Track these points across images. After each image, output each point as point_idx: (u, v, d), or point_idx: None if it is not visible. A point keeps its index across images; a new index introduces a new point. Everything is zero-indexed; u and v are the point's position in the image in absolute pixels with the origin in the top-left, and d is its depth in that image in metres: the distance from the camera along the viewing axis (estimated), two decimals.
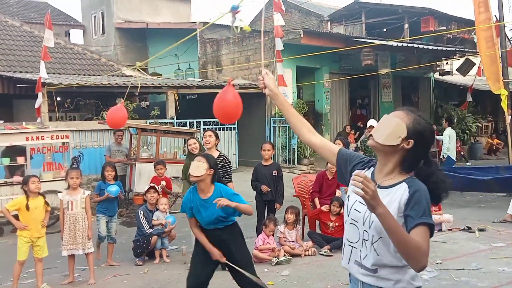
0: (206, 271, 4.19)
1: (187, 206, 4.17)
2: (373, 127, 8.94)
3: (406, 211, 2.04)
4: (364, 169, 2.30)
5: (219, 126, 13.05)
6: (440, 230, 7.83)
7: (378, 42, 14.37)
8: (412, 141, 2.11)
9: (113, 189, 6.47)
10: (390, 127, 2.13)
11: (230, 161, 6.19)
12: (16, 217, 5.63)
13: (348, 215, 2.25)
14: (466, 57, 18.14)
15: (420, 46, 15.23)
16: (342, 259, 2.30)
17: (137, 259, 6.65)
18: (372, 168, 2.27)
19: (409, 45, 14.88)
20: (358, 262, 2.18)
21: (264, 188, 6.86)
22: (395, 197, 2.08)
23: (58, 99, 12.36)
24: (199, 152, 6.25)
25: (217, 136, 6.03)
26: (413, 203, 2.02)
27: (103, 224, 6.56)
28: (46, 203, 5.74)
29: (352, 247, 2.20)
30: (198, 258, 4.22)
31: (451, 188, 2.16)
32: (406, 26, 18.44)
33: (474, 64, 18.31)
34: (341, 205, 6.95)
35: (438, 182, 2.13)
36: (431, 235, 2.03)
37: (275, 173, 6.91)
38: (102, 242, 6.65)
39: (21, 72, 13.74)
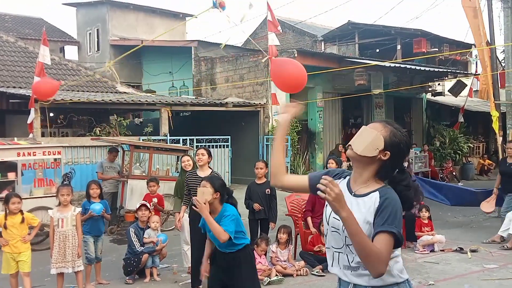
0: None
1: (202, 223, 4.20)
2: None
3: (374, 218, 2.12)
4: (339, 179, 2.37)
5: (213, 144, 13.06)
6: (432, 250, 7.83)
7: (372, 62, 14.52)
8: (388, 152, 2.21)
9: (96, 207, 6.29)
10: (368, 139, 2.22)
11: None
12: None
13: (328, 223, 2.31)
14: (458, 78, 18.36)
15: (413, 67, 15.39)
16: (330, 266, 2.35)
17: (127, 278, 6.56)
18: (347, 178, 2.35)
19: (402, 66, 15.04)
20: (348, 266, 2.23)
21: (256, 206, 6.84)
22: (367, 205, 2.16)
23: (51, 114, 12.34)
24: (192, 170, 6.24)
25: (209, 154, 6.03)
26: (381, 211, 2.11)
27: (91, 245, 6.34)
28: (23, 220, 5.71)
29: (338, 252, 2.27)
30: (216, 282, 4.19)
31: (423, 197, 2.26)
32: (398, 47, 18.66)
33: (466, 85, 18.54)
34: None
35: (410, 186, 2.24)
36: (396, 245, 2.09)
37: (268, 191, 6.90)
38: (92, 264, 6.40)
39: (14, 87, 13.72)
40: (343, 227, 2.15)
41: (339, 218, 2.17)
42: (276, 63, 3.29)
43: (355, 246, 2.03)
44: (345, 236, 2.17)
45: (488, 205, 8.77)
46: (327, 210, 2.30)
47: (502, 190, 8.83)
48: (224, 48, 17.30)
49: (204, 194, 4.00)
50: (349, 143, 2.28)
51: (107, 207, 6.61)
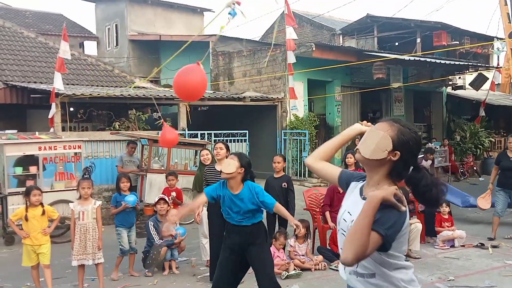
0: (237, 278, 4.34)
1: (212, 191, 4.32)
2: None
3: None
4: (359, 181, 2.34)
5: (230, 138, 13.07)
6: (452, 246, 7.74)
7: (391, 56, 14.35)
8: (398, 152, 2.13)
9: (130, 199, 6.48)
10: (375, 141, 2.15)
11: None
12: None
13: (338, 224, 2.28)
14: (479, 71, 18.05)
15: (433, 60, 15.17)
16: (340, 271, 2.34)
17: (146, 270, 6.63)
18: (364, 181, 2.30)
19: (422, 59, 14.83)
20: (354, 271, 2.20)
21: None
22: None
23: (71, 109, 12.48)
24: (211, 164, 6.26)
25: (227, 148, 6.04)
26: (379, 210, 2.04)
27: (124, 237, 6.54)
28: (43, 212, 5.81)
29: None
30: (228, 265, 4.32)
31: (446, 191, 2.17)
32: (418, 40, 18.41)
33: (487, 78, 18.22)
34: None
35: (430, 185, 2.12)
36: (383, 249, 2.03)
37: (284, 185, 6.89)
38: (126, 255, 6.59)
39: (35, 82, 13.90)
40: (349, 229, 2.13)
41: (346, 220, 2.18)
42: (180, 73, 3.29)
43: (357, 225, 1.98)
44: None
45: (484, 201, 8.52)
46: (340, 211, 2.28)
47: (502, 185, 8.39)
48: (242, 43, 17.32)
49: (230, 165, 4.09)
50: (356, 147, 2.22)
51: (137, 197, 6.79)
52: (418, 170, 2.19)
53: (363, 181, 2.31)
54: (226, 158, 6.00)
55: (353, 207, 2.18)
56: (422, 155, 11.13)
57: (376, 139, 2.15)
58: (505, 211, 8.52)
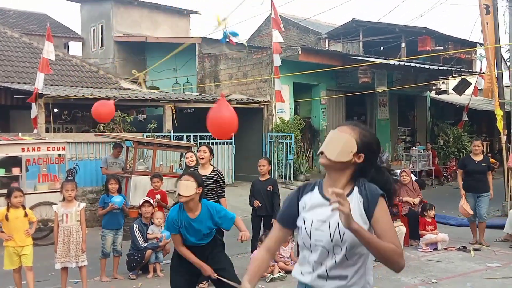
0: (190, 285, 4.23)
1: (173, 225, 4.08)
2: None
3: (368, 213, 2.12)
4: (307, 193, 2.28)
5: (216, 141, 13.05)
6: (435, 249, 7.82)
7: (377, 60, 14.48)
8: (363, 154, 2.18)
9: (117, 199, 6.47)
10: (340, 144, 2.18)
11: (223, 176, 6.19)
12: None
13: (310, 238, 2.18)
14: (462, 76, 18.30)
15: (417, 65, 15.35)
16: (302, 277, 2.24)
17: (131, 273, 6.60)
18: (315, 188, 2.27)
19: (406, 64, 15.00)
20: (324, 275, 2.16)
21: (256, 203, 6.85)
22: (352, 206, 2.05)
23: (55, 110, 12.37)
24: (195, 166, 6.26)
25: (211, 151, 6.05)
26: (371, 204, 2.10)
27: (109, 240, 6.52)
28: (26, 214, 5.77)
29: (320, 263, 2.18)
30: (180, 273, 4.18)
31: (396, 182, 2.35)
32: (403, 45, 18.61)
33: (470, 83, 18.47)
34: None
35: (389, 184, 2.26)
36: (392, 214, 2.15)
37: (270, 188, 6.90)
38: (107, 258, 6.55)
39: (18, 83, 13.75)
40: (332, 236, 2.11)
41: (323, 229, 2.13)
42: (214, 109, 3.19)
43: (372, 251, 2.03)
44: (333, 246, 2.12)
45: (467, 208, 8.46)
46: (306, 224, 2.20)
47: (471, 189, 8.32)
48: (228, 46, 17.33)
49: (188, 187, 3.96)
50: (320, 150, 2.21)
51: (125, 199, 6.78)
52: (379, 170, 2.26)
53: (311, 189, 2.26)
54: (210, 161, 6.03)
55: (324, 213, 2.14)
56: None
57: (341, 141, 2.18)
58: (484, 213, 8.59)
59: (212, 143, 12.54)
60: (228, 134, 3.32)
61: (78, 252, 5.80)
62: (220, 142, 13.24)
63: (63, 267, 5.82)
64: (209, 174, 5.84)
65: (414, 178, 10.83)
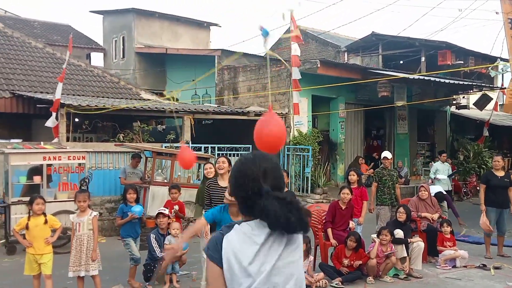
0: None
1: (211, 216, 4.33)
2: (387, 158, 8.97)
3: None
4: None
5: (234, 152, 13.10)
6: (454, 266, 7.70)
7: (398, 75, 14.41)
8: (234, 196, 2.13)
9: (137, 209, 6.56)
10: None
11: None
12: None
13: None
14: (483, 91, 18.10)
15: (437, 79, 15.23)
16: None
17: (147, 283, 6.63)
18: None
19: (426, 78, 14.90)
20: None
21: None
22: None
23: (76, 120, 12.56)
24: (214, 177, 6.29)
25: (230, 163, 6.08)
26: None
27: (133, 246, 6.61)
28: (46, 221, 5.85)
29: None
30: None
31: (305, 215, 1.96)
32: (423, 59, 18.50)
33: (491, 99, 18.27)
34: (357, 240, 6.90)
35: (279, 212, 1.92)
36: None
37: None
38: (138, 264, 6.62)
39: (41, 92, 14.02)
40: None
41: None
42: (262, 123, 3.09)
43: None
44: None
45: (486, 224, 8.44)
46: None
47: (493, 204, 8.42)
48: (247, 58, 17.44)
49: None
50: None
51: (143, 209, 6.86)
52: (267, 198, 1.96)
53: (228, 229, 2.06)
54: (228, 172, 6.05)
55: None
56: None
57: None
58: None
59: (230, 155, 12.59)
60: (275, 148, 3.23)
61: (88, 261, 5.86)
62: (239, 154, 13.28)
63: (78, 276, 5.90)
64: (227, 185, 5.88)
65: (438, 190, 10.78)
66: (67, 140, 11.58)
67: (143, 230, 9.78)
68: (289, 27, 14.20)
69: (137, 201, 6.81)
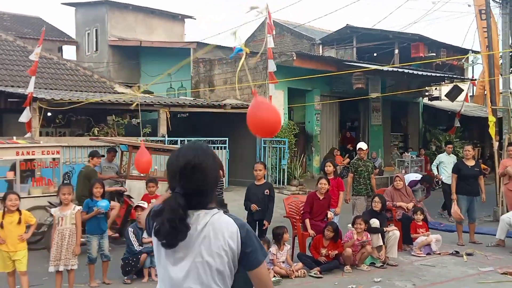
0: None
1: None
2: (362, 149, 9.09)
3: None
4: None
5: (211, 145, 13.06)
6: (428, 253, 7.87)
7: (372, 67, 14.57)
8: None
9: (103, 204, 6.40)
10: None
11: (222, 181, 6.24)
12: None
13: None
14: (454, 83, 18.45)
15: (410, 71, 15.46)
16: None
17: (125, 278, 6.59)
18: None
19: (400, 70, 15.11)
20: None
21: (253, 207, 6.90)
22: None
23: (49, 114, 12.34)
24: None
25: None
26: None
27: (94, 245, 6.41)
28: (20, 220, 5.75)
29: None
30: None
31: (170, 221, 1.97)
32: (396, 51, 18.75)
33: (462, 90, 18.64)
34: (335, 230, 7.00)
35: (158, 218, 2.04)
36: None
37: (267, 192, 6.95)
38: (94, 263, 6.47)
39: (12, 86, 13.71)
40: None
41: None
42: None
43: None
44: None
45: (457, 212, 8.70)
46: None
47: (464, 192, 8.68)
48: (223, 50, 17.38)
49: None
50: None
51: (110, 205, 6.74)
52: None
53: None
54: None
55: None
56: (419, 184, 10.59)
57: None
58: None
59: None
60: (271, 133, 3.13)
61: (69, 255, 5.80)
62: (215, 147, 13.28)
63: (57, 271, 5.83)
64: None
65: (420, 176, 10.98)
66: (40, 135, 11.37)
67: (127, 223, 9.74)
68: (264, 20, 14.21)
69: (103, 196, 6.65)
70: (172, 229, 1.93)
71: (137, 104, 8.80)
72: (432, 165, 12.29)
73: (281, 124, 3.00)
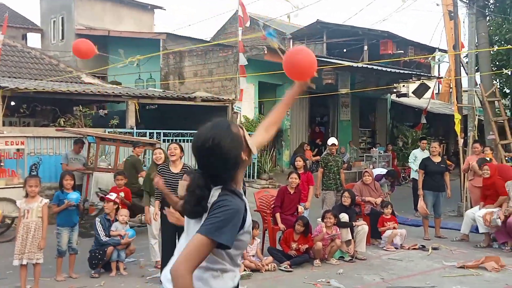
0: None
1: None
2: (335, 145, 9.16)
3: None
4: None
5: (180, 138, 12.94)
6: (396, 248, 8.01)
7: (344, 63, 14.68)
8: None
9: (73, 196, 6.27)
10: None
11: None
12: None
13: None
14: (421, 80, 18.82)
15: (379, 68, 15.67)
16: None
17: (93, 271, 6.46)
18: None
19: (369, 66, 15.30)
20: None
21: None
22: None
23: (13, 103, 11.96)
24: (164, 163, 6.19)
25: (182, 149, 6.01)
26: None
27: (64, 237, 6.27)
28: None
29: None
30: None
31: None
32: (365, 47, 18.93)
33: (429, 87, 19.04)
34: (305, 224, 7.03)
35: None
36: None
37: None
38: (63, 256, 6.33)
39: None
40: None
41: None
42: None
43: None
44: None
45: (423, 208, 8.92)
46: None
47: (430, 188, 8.91)
48: (193, 42, 17.21)
49: (184, 186, 3.99)
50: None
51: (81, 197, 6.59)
52: None
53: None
54: (181, 158, 5.98)
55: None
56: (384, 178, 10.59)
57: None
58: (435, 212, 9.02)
59: (176, 140, 12.43)
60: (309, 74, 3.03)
61: (34, 249, 5.65)
62: (187, 139, 13.14)
63: (22, 264, 5.66)
64: (180, 171, 5.79)
65: (385, 170, 11.13)
66: (3, 125, 11.00)
67: (86, 217, 9.56)
68: (235, 12, 14.12)
69: (74, 188, 6.51)
70: (190, 211, 2.11)
71: (116, 95, 8.57)
72: (408, 161, 12.38)
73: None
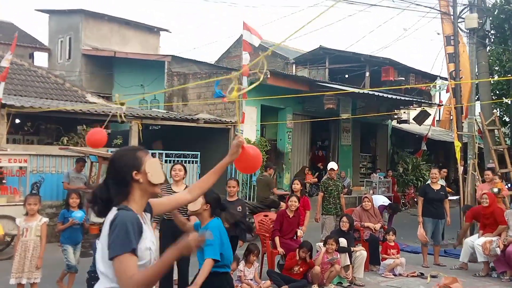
0: None
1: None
2: (334, 169, 9.22)
3: None
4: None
5: (182, 159, 13.02)
6: (394, 274, 8.00)
7: (346, 89, 14.83)
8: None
9: (78, 214, 6.36)
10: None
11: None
12: None
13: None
14: (422, 107, 18.97)
15: (381, 94, 15.84)
16: None
17: None
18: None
19: (370, 92, 15.47)
20: None
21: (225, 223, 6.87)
22: None
23: (17, 121, 12.09)
24: (166, 184, 6.25)
25: (185, 170, 6.09)
26: None
27: (71, 253, 6.36)
28: None
29: None
30: None
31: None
32: (367, 74, 19.18)
33: (430, 114, 19.18)
34: (309, 250, 7.07)
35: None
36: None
37: (239, 208, 6.95)
38: (75, 272, 6.39)
39: None
40: None
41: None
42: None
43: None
44: None
45: (423, 235, 8.90)
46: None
47: (430, 215, 8.89)
48: (197, 65, 17.44)
49: (195, 203, 4.01)
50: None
51: (86, 216, 6.65)
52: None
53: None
54: (183, 179, 6.05)
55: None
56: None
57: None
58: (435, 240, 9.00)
59: (178, 162, 12.51)
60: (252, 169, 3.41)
61: (32, 268, 5.67)
62: (186, 160, 13.23)
63: (18, 283, 5.69)
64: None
65: (388, 202, 11.15)
66: (7, 142, 11.12)
67: (86, 237, 9.57)
68: (239, 36, 14.33)
69: (80, 206, 6.60)
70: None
71: (121, 116, 8.72)
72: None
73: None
